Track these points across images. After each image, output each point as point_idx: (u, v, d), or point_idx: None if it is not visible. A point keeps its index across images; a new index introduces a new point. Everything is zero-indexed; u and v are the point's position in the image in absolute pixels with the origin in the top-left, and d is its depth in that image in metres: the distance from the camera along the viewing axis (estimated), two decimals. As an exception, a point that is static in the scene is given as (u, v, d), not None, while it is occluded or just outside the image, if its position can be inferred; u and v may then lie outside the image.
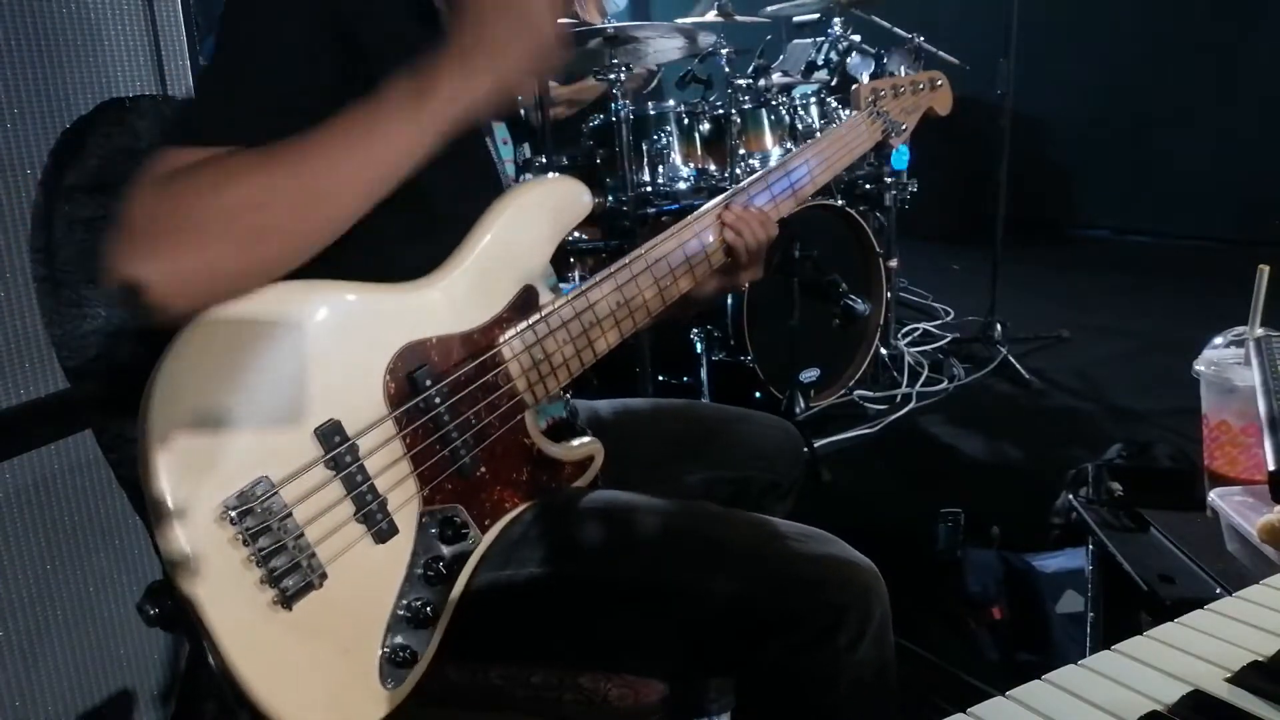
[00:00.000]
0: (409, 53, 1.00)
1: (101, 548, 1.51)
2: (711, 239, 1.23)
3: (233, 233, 0.83)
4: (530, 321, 1.05)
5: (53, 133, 1.38)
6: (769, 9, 3.83)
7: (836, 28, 3.60)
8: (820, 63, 3.63)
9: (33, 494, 1.40)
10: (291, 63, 0.93)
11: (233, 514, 0.81)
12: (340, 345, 0.91)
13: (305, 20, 0.94)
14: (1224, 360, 1.35)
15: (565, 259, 2.90)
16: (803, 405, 2.91)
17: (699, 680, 1.12)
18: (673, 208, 2.94)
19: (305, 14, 0.94)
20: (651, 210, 2.93)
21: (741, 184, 1.29)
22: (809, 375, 2.98)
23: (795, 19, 4.22)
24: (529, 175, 1.22)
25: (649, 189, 2.97)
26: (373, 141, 0.86)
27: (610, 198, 2.94)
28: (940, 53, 3.60)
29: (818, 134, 3.19)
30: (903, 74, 1.52)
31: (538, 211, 1.07)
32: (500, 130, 1.19)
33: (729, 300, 2.75)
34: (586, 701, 1.03)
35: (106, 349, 1.00)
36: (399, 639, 0.92)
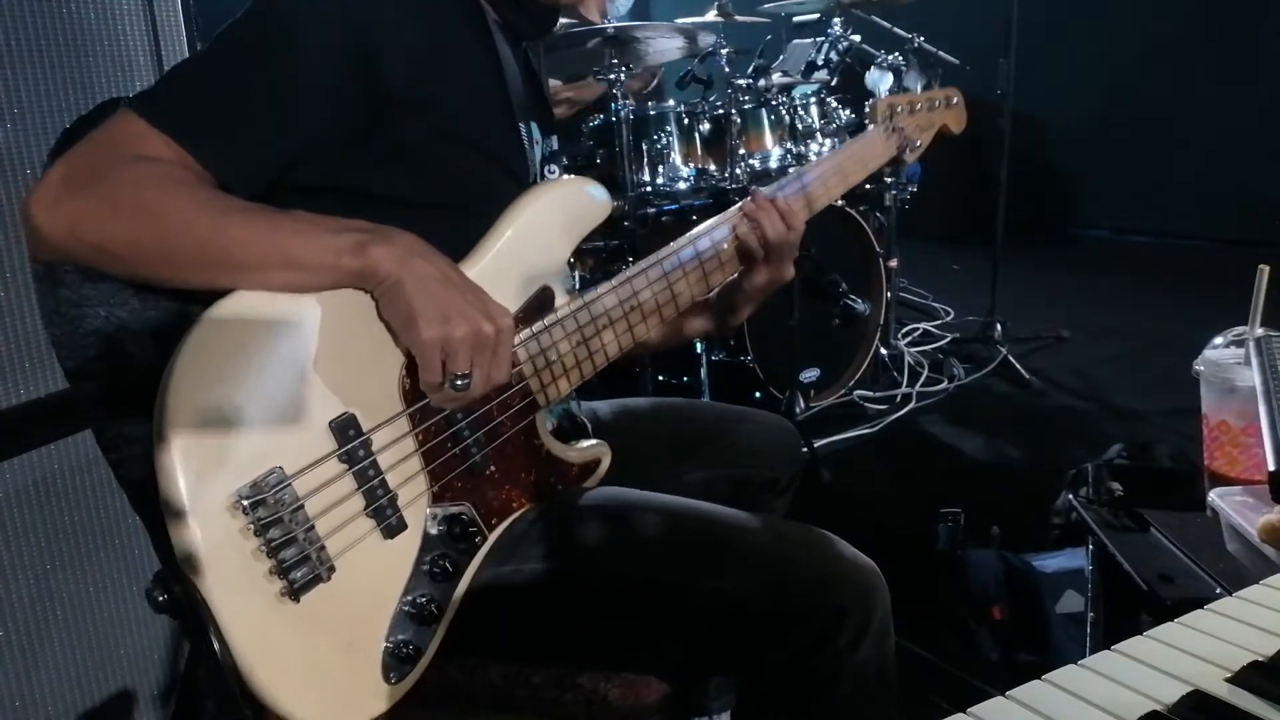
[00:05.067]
0: (444, 63, 1.02)
1: (101, 548, 1.51)
2: (726, 234, 1.22)
3: (137, 237, 0.85)
4: (546, 323, 1.05)
5: (53, 133, 1.38)
6: (766, 5, 3.83)
7: (836, 28, 3.60)
8: (820, 63, 3.63)
9: (33, 494, 1.40)
10: (304, 109, 0.94)
11: (245, 504, 0.82)
12: (359, 340, 0.91)
13: (335, 57, 0.95)
14: (1224, 360, 1.35)
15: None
16: (803, 405, 2.91)
17: (699, 679, 1.12)
18: (673, 208, 2.94)
19: (337, 51, 0.95)
20: (651, 210, 2.93)
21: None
22: (809, 375, 2.98)
23: (795, 19, 4.22)
24: (554, 168, 1.22)
25: (649, 189, 2.97)
26: (291, 247, 0.88)
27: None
28: (940, 53, 3.60)
29: (817, 134, 3.21)
30: (919, 90, 1.50)
31: (556, 212, 1.07)
32: (532, 128, 1.19)
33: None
34: (586, 701, 1.02)
35: (106, 349, 1.00)
36: (403, 634, 0.93)
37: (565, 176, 1.14)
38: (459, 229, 1.02)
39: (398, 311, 0.90)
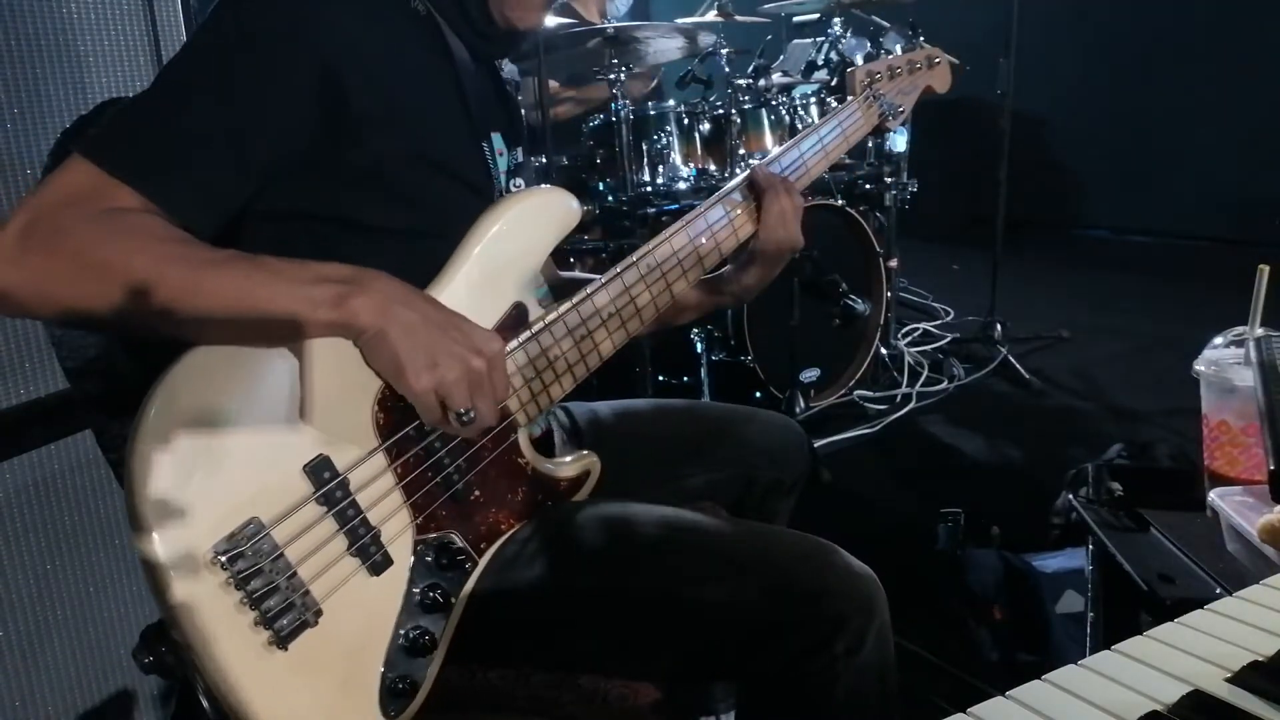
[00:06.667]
0: (401, 72, 1.00)
1: (101, 548, 1.51)
2: (725, 216, 1.21)
3: (108, 294, 0.82)
4: (521, 340, 1.03)
5: (53, 133, 1.38)
6: (766, 5, 3.83)
7: (836, 28, 3.60)
8: (820, 63, 3.63)
9: (33, 494, 1.40)
10: (267, 140, 0.92)
11: (223, 559, 0.81)
12: (327, 378, 0.88)
13: (296, 82, 0.93)
14: (1224, 360, 1.35)
15: (565, 260, 2.90)
16: (803, 405, 2.91)
17: (695, 686, 1.11)
18: (673, 208, 2.94)
19: (297, 75, 0.93)
20: (651, 210, 2.93)
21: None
22: (809, 375, 2.98)
23: (795, 19, 4.22)
24: (519, 181, 1.20)
25: (649, 189, 2.97)
26: (265, 301, 0.84)
27: (610, 198, 2.94)
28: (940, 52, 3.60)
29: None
30: (899, 53, 1.45)
31: (524, 225, 1.05)
32: (496, 140, 1.17)
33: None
34: (586, 702, 1.02)
35: (106, 349, 1.00)
36: (398, 669, 0.92)
37: (531, 188, 1.12)
38: (426, 250, 1.00)
39: (385, 362, 0.88)
